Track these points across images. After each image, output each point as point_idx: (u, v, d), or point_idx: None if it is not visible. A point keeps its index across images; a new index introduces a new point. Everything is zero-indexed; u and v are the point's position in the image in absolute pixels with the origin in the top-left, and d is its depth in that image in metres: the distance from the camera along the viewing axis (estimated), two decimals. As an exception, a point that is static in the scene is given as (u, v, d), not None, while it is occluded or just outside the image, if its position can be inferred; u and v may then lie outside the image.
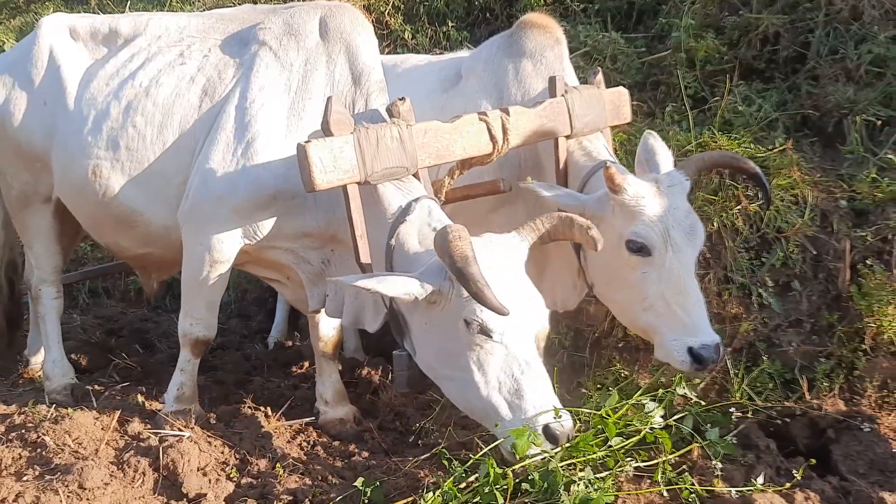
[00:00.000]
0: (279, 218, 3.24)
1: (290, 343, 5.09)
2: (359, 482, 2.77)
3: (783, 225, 4.04)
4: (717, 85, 4.91)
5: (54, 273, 4.08)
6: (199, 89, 3.38)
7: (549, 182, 3.56)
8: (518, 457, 2.54)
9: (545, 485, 2.53)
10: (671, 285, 3.12)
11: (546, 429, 2.56)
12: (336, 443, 3.47)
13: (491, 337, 2.59)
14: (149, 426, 3.30)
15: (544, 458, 2.56)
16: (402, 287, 2.59)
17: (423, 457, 3.12)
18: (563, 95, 3.54)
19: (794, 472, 2.94)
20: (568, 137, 3.59)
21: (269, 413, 3.71)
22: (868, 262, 3.79)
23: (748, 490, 2.77)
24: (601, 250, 2.92)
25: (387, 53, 6.87)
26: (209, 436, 3.21)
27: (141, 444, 3.08)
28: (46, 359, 4.07)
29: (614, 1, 6.06)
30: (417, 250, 2.83)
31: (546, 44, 3.81)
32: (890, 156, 4.08)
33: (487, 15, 6.71)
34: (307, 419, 3.65)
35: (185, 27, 3.61)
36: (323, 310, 3.43)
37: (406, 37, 6.81)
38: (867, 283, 3.73)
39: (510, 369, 2.61)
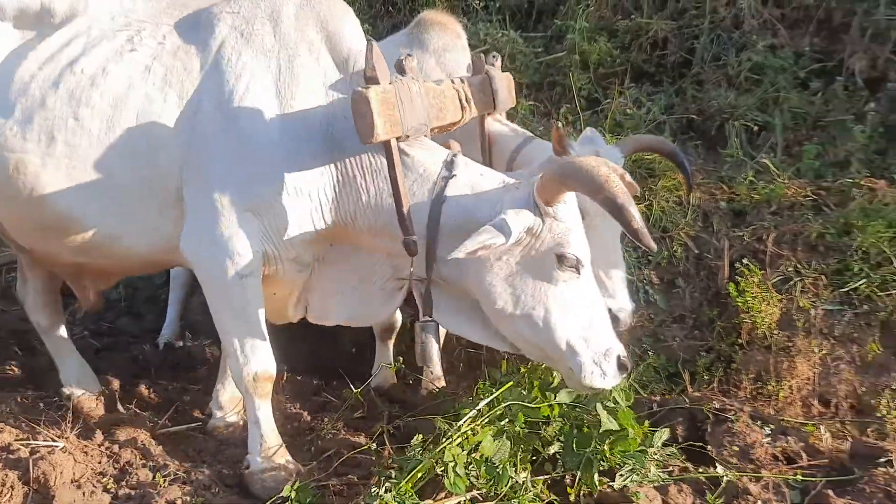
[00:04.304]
0: (288, 215, 2.91)
1: (181, 343, 4.94)
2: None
3: (668, 225, 4.20)
4: (610, 87, 5.05)
5: None
6: (159, 80, 3.01)
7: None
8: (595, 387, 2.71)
9: (491, 479, 2.67)
10: (601, 252, 3.17)
11: (618, 359, 2.70)
12: (225, 448, 3.40)
13: (579, 273, 2.67)
14: (21, 437, 3.14)
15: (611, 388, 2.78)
16: (524, 222, 2.60)
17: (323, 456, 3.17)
18: (486, 73, 3.55)
19: (671, 465, 3.08)
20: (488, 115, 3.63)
21: (155, 419, 3.60)
22: (744, 260, 3.97)
23: (627, 483, 2.85)
24: None
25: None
26: (86, 446, 3.09)
27: (10, 455, 2.93)
28: None
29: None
30: (474, 201, 2.78)
31: (448, 40, 3.83)
32: (765, 160, 4.29)
33: (390, 8, 6.68)
34: (193, 425, 3.55)
35: (131, 9, 3.25)
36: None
37: (306, 30, 6.68)
38: (743, 281, 3.91)
39: (588, 304, 2.72)
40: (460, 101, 3.16)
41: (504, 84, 3.67)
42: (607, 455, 2.82)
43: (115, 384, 4.10)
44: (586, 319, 2.72)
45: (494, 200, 2.73)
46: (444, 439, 2.76)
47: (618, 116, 4.77)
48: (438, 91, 3.04)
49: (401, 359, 3.67)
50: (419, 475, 2.68)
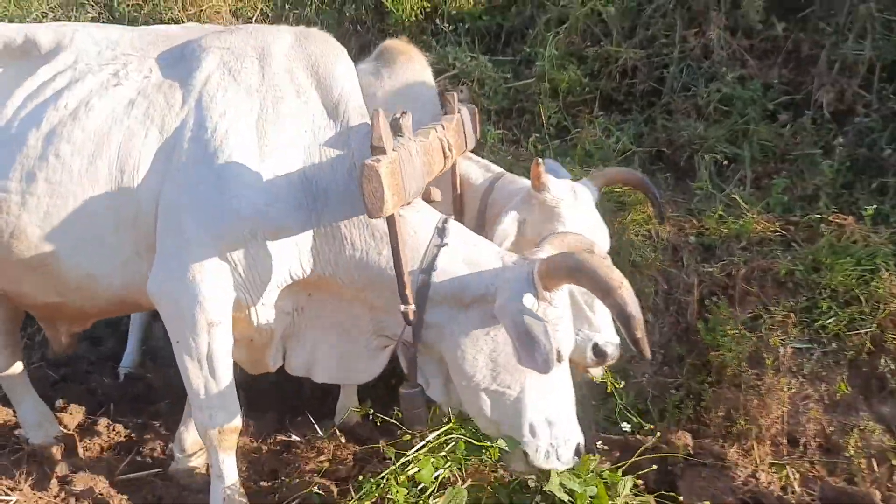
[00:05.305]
0: (263, 260, 2.81)
1: (142, 373, 4.80)
2: None
3: (637, 258, 4.18)
4: (579, 114, 5.03)
5: None
6: (141, 114, 2.89)
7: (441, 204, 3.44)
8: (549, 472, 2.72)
9: None
10: None
11: (577, 447, 2.73)
12: (187, 495, 3.30)
13: (560, 360, 2.64)
14: (-28, 490, 3.01)
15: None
16: (527, 304, 2.54)
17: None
18: (459, 114, 3.47)
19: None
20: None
21: (114, 462, 3.48)
22: (714, 298, 3.97)
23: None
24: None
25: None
26: (40, 498, 2.98)
27: (-41, 512, 2.81)
28: None
29: (483, 21, 6.09)
30: (469, 274, 2.72)
31: (415, 71, 3.76)
32: (734, 195, 4.29)
33: (358, 28, 6.60)
34: (154, 471, 3.45)
35: (118, 42, 3.10)
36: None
37: (274, 46, 6.57)
38: (713, 318, 3.90)
39: (561, 390, 2.71)
40: (444, 150, 3.10)
41: (474, 120, 3.63)
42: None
43: (74, 422, 3.97)
44: (556, 405, 2.71)
45: (491, 277, 2.69)
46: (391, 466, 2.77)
47: (587, 146, 4.75)
48: (428, 146, 2.96)
49: (368, 402, 3.59)
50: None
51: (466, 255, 2.76)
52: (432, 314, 2.73)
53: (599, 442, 3.74)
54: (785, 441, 3.80)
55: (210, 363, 2.84)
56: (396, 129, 2.77)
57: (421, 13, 6.29)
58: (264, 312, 2.92)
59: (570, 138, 4.88)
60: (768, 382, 3.80)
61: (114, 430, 3.91)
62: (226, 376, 2.88)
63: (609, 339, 3.22)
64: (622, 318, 2.40)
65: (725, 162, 4.60)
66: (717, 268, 4.09)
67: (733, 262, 4.09)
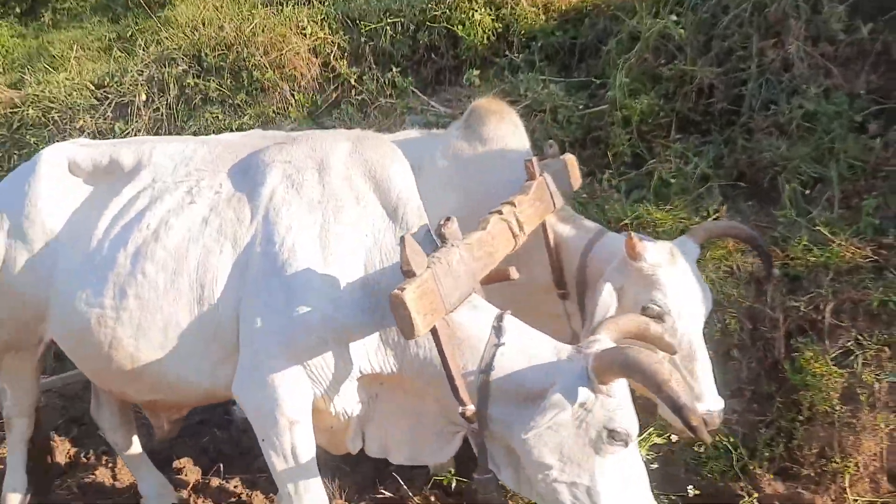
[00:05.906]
0: (334, 362, 2.99)
1: (249, 425, 5.08)
2: None
3: (720, 296, 4.09)
4: (655, 141, 4.92)
5: (31, 407, 3.94)
6: (215, 231, 3.12)
7: (539, 267, 3.56)
8: None
9: None
10: (681, 350, 3.16)
11: None
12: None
13: (626, 445, 2.68)
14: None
15: None
16: (580, 398, 2.60)
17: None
18: (541, 175, 3.48)
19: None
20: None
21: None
22: (801, 337, 3.86)
23: None
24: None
25: (335, 98, 6.89)
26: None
27: None
28: (7, 484, 3.98)
29: (556, 37, 6.03)
30: (526, 370, 2.77)
31: (507, 131, 3.72)
32: (820, 226, 4.11)
33: (433, 55, 6.67)
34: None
35: (191, 158, 3.35)
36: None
37: (353, 82, 6.77)
38: (799, 357, 3.79)
39: (632, 476, 2.72)
40: (511, 230, 3.14)
41: (562, 176, 3.61)
42: None
43: (189, 483, 4.32)
44: (631, 489, 2.71)
45: (547, 372, 2.72)
46: None
47: (664, 175, 4.66)
48: (486, 237, 3.01)
49: (452, 471, 3.71)
50: None
51: (524, 351, 2.80)
52: (495, 409, 2.79)
53: (691, 487, 3.78)
54: (885, 479, 3.69)
55: (295, 458, 3.03)
56: (441, 238, 2.84)
57: (493, 34, 6.31)
58: (340, 403, 3.08)
59: (646, 168, 4.79)
60: (864, 419, 3.68)
61: (224, 491, 4.21)
62: (310, 468, 3.06)
63: (711, 406, 3.18)
64: (675, 410, 2.40)
65: (810, 186, 4.39)
66: (804, 301, 3.96)
67: (821, 295, 3.95)
